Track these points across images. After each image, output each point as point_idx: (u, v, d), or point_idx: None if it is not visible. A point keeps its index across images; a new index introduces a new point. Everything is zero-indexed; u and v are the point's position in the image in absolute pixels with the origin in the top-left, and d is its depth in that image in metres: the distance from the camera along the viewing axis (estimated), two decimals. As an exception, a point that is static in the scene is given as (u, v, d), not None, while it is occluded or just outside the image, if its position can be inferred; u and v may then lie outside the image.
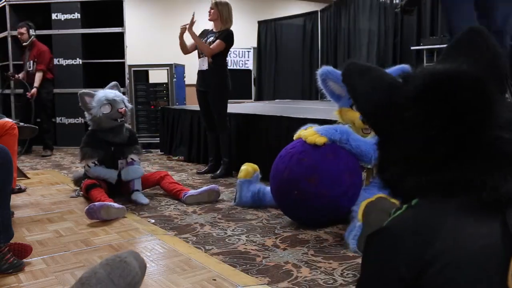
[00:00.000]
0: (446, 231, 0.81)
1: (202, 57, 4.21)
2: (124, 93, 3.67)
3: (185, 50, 4.33)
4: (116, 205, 2.93)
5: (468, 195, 0.83)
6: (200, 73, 4.25)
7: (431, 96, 0.88)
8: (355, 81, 1.01)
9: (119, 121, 3.39)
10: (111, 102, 3.36)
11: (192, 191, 3.33)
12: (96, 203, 2.86)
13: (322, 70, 2.82)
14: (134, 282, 1.53)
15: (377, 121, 0.97)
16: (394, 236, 0.86)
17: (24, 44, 5.81)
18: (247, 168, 3.16)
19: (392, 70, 2.63)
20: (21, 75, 5.84)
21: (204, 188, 3.35)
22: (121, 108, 3.37)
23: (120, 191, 3.43)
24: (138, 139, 3.72)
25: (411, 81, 0.92)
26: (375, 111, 0.98)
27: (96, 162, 3.34)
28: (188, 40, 4.27)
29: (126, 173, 3.36)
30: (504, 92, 0.99)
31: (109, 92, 3.44)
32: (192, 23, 4.13)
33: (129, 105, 3.56)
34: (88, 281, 1.45)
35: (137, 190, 3.35)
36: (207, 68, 4.16)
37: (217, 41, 4.10)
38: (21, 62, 6.05)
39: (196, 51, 4.32)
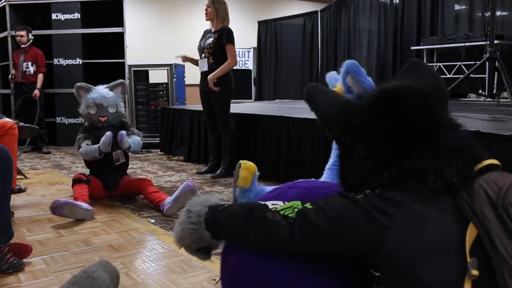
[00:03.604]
0: (402, 214, 0.96)
1: (202, 58, 4.21)
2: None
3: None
4: (84, 205, 2.88)
5: (421, 184, 0.99)
6: (203, 74, 4.25)
7: (381, 105, 1.07)
8: (316, 99, 1.21)
9: (100, 125, 3.39)
10: (97, 106, 3.35)
11: (168, 200, 3.05)
12: (61, 199, 2.83)
13: (326, 76, 2.79)
14: None
15: (336, 132, 1.14)
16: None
17: (23, 46, 5.95)
18: (245, 176, 2.97)
19: (342, 71, 2.55)
20: (13, 72, 6.03)
21: (178, 191, 3.03)
22: (103, 117, 3.36)
23: (117, 188, 3.42)
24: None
25: (365, 97, 1.12)
26: (333, 125, 1.16)
27: (89, 143, 3.30)
28: (195, 55, 4.37)
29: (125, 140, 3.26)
30: (447, 104, 1.18)
31: (101, 94, 3.37)
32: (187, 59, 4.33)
33: (123, 110, 3.50)
34: None
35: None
36: (207, 69, 4.15)
37: (229, 49, 4.11)
38: (11, 62, 6.19)
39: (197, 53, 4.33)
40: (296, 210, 1.07)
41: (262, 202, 1.16)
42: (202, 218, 1.20)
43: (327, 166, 2.61)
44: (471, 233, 0.90)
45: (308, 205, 1.08)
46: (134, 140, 3.35)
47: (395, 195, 0.98)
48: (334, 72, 2.78)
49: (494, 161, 1.03)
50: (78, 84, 3.48)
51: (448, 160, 0.99)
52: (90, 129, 3.42)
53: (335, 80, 2.71)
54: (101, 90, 3.44)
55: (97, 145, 3.22)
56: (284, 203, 1.13)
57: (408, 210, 0.96)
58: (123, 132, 3.29)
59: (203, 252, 1.30)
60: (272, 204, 1.13)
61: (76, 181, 3.23)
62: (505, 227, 0.86)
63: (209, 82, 4.07)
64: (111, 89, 3.49)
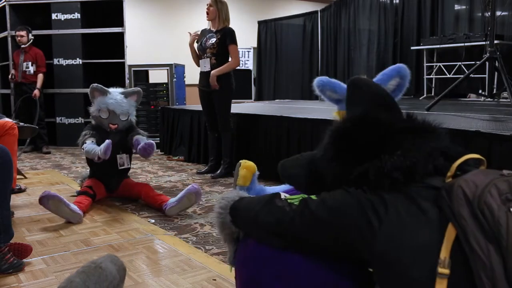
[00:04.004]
0: (389, 214, 0.99)
1: (204, 58, 4.20)
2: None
3: (198, 60, 4.31)
4: (72, 206, 2.84)
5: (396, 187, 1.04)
6: (204, 73, 4.24)
7: (334, 149, 1.18)
8: (288, 173, 1.37)
9: (108, 130, 3.34)
10: (110, 112, 3.30)
11: (171, 200, 3.04)
12: (51, 191, 2.82)
13: (318, 82, 2.66)
14: (112, 287, 1.50)
15: (315, 191, 1.19)
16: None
17: (23, 46, 5.95)
18: (245, 174, 2.95)
19: (389, 70, 2.46)
20: (13, 72, 6.02)
21: (182, 193, 3.01)
22: (113, 124, 3.32)
23: (118, 190, 3.42)
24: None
25: (323, 147, 1.23)
26: (309, 187, 1.27)
27: (93, 141, 3.25)
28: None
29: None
30: (397, 109, 1.25)
31: (116, 101, 3.31)
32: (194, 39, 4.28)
33: (133, 118, 3.46)
34: None
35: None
36: (209, 69, 4.15)
37: (232, 50, 4.12)
38: (11, 62, 6.19)
39: (198, 52, 4.32)
40: (301, 199, 1.17)
41: (276, 192, 1.27)
42: (230, 204, 1.29)
43: None
44: (449, 234, 0.91)
45: (313, 196, 1.16)
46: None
47: (384, 194, 1.03)
48: (326, 78, 2.58)
49: (469, 156, 1.04)
50: (94, 85, 3.38)
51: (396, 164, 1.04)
52: (98, 129, 3.38)
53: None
54: (117, 97, 3.34)
55: (98, 149, 3.13)
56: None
57: (393, 209, 0.99)
58: (152, 144, 3.21)
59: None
60: (284, 196, 1.25)
61: (81, 192, 3.21)
62: (481, 227, 0.87)
63: (212, 77, 4.06)
64: (126, 96, 3.41)
